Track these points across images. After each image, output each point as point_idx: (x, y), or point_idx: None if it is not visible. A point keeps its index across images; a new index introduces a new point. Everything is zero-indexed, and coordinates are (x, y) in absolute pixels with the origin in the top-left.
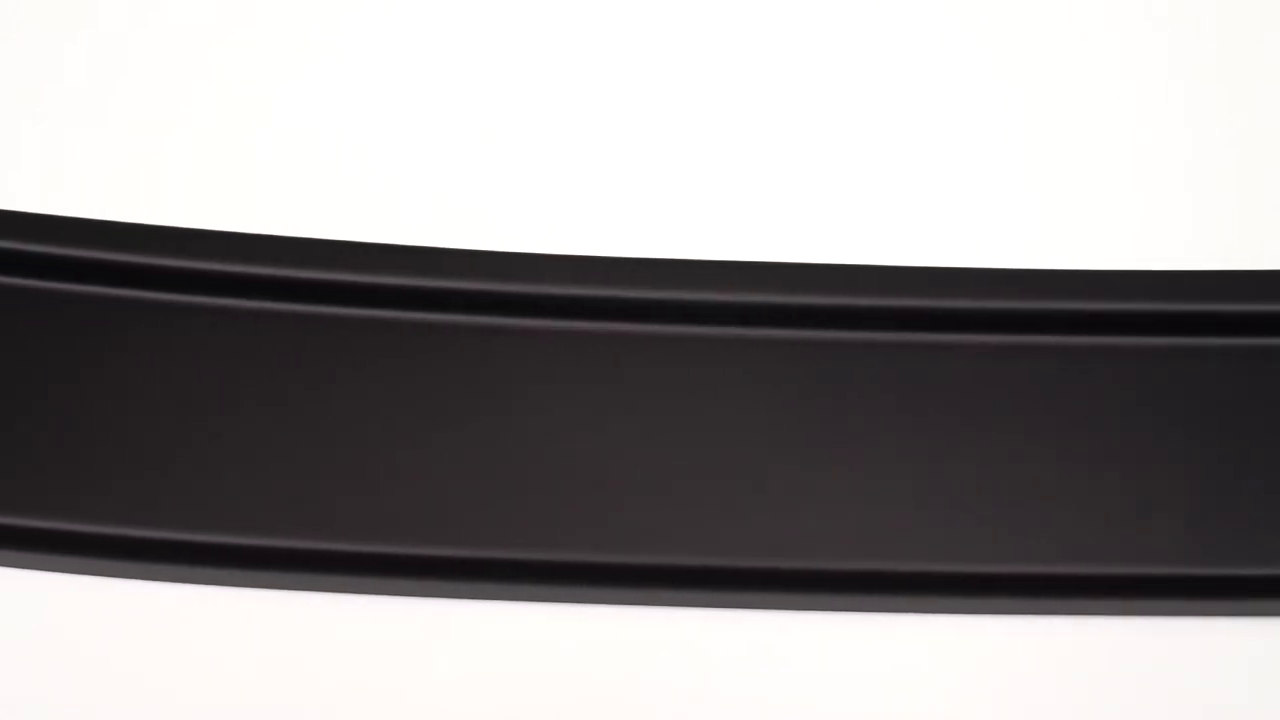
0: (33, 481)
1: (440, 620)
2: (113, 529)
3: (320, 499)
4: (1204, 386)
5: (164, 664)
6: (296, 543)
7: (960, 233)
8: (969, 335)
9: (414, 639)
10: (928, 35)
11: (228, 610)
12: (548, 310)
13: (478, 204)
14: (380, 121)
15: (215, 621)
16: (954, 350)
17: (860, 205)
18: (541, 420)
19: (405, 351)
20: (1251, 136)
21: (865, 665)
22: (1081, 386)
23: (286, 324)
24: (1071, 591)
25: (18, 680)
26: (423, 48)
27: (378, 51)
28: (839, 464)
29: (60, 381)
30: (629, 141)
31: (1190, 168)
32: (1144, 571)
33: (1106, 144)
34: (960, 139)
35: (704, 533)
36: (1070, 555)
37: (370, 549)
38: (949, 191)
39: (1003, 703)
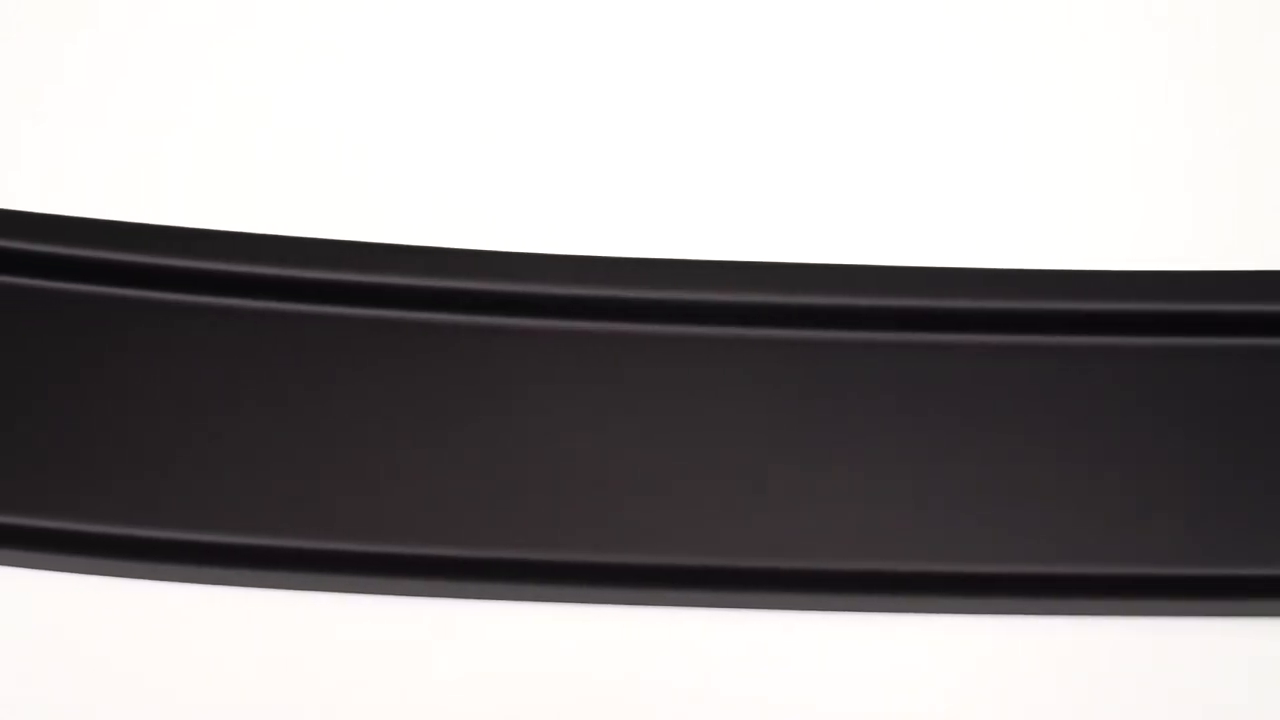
0: (33, 481)
1: (441, 620)
2: (114, 529)
3: (321, 499)
4: (1204, 386)
5: (165, 664)
6: (297, 543)
7: (960, 233)
8: (969, 335)
9: (415, 639)
10: (927, 35)
11: (229, 610)
12: (548, 310)
13: (478, 204)
14: (381, 121)
15: (216, 621)
16: (954, 350)
17: (859, 205)
18: (542, 420)
19: (406, 351)
20: (1251, 136)
21: (866, 665)
22: (1081, 386)
23: (287, 324)
24: (1071, 591)
25: (18, 680)
26: (424, 47)
27: (379, 51)
28: (839, 464)
29: (61, 381)
30: (629, 142)
31: (1190, 168)
32: (1144, 571)
33: (1106, 144)
34: (960, 139)
35: (704, 533)
36: (1070, 555)
37: (371, 549)
38: (948, 191)
39: (1003, 703)
